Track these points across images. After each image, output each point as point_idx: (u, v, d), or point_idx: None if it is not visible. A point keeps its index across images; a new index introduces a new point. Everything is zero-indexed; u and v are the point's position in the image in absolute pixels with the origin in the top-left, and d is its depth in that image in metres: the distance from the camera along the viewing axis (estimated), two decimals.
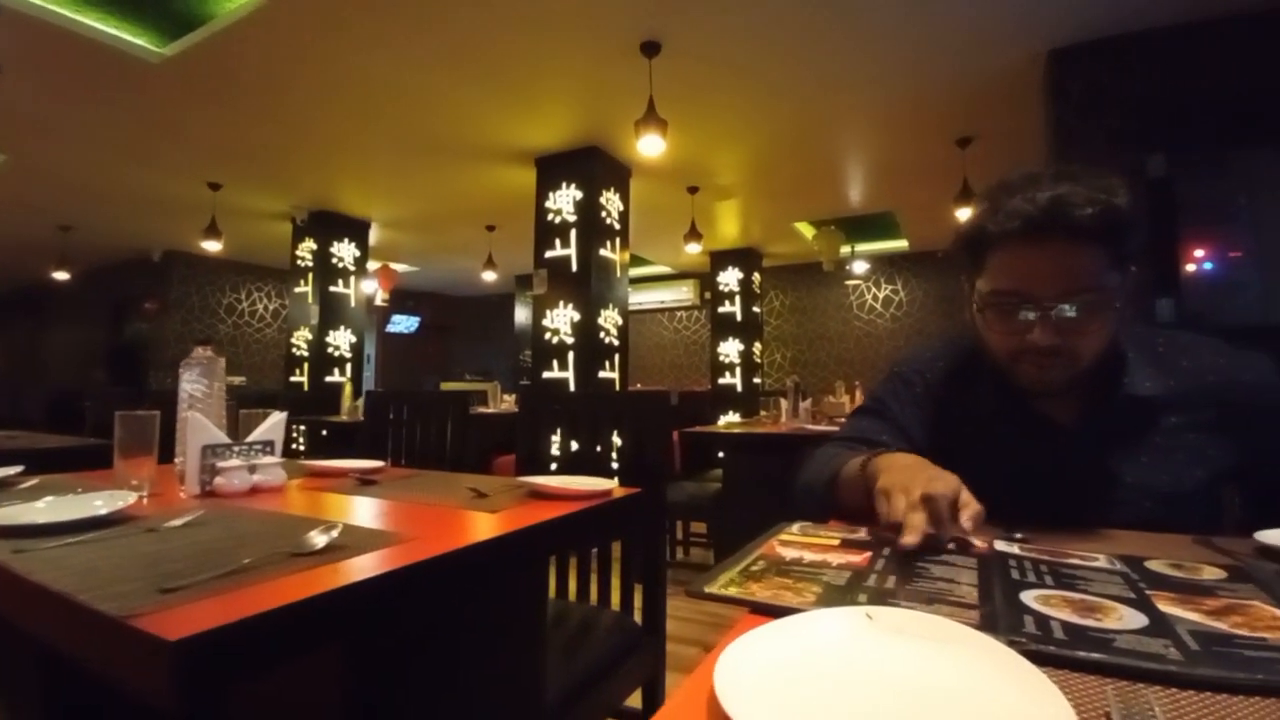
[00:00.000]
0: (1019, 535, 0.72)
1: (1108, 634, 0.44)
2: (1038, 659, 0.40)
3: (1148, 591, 0.54)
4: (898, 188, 5.24)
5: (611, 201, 4.50)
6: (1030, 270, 0.76)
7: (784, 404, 3.23)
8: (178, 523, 0.81)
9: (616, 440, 1.65)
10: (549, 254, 4.42)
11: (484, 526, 0.86)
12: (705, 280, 7.82)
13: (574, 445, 1.60)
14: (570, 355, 4.31)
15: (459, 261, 7.90)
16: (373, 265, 7.11)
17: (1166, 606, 0.50)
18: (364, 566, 0.64)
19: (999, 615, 0.47)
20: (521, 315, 9.04)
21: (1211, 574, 0.59)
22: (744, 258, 7.13)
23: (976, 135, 4.05)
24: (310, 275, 5.81)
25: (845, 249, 6.55)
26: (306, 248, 5.88)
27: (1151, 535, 0.77)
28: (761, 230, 6.60)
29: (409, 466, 1.77)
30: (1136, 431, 0.82)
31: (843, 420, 3.63)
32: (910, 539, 0.62)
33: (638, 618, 1.39)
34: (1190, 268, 2.70)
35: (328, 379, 5.65)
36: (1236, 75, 2.72)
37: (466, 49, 3.14)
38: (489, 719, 0.92)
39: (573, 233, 4.34)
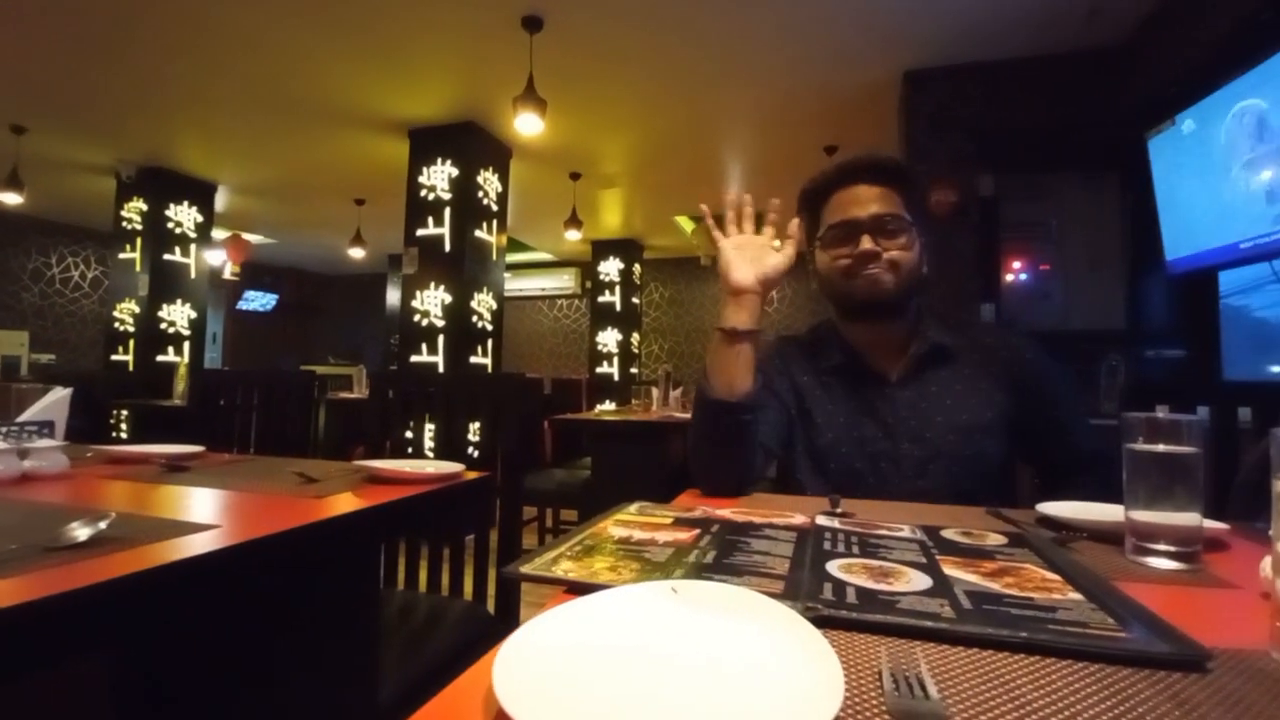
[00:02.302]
0: (840, 510, 0.77)
1: (894, 596, 0.47)
2: (829, 623, 0.42)
3: (938, 557, 0.58)
4: (771, 190, 5.39)
5: (489, 181, 4.34)
6: (851, 202, 1.03)
7: (655, 393, 3.28)
8: None
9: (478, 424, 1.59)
10: (421, 232, 4.20)
11: (303, 513, 0.78)
12: (586, 269, 7.79)
13: (429, 430, 1.52)
14: (441, 339, 4.13)
15: (324, 236, 7.32)
16: (220, 234, 6.41)
17: (950, 570, 0.54)
18: (135, 561, 0.56)
19: (801, 584, 0.49)
20: (394, 297, 8.54)
21: (994, 540, 0.65)
22: (625, 248, 7.18)
23: (841, 145, 4.32)
24: (139, 240, 5.11)
25: None
26: (134, 208, 5.16)
27: (953, 508, 0.85)
28: (643, 222, 6.67)
29: (245, 455, 1.61)
30: (942, 380, 1.05)
31: None
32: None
33: (491, 606, 1.35)
34: (1009, 277, 3.06)
35: (159, 358, 5.02)
36: (1051, 108, 3.10)
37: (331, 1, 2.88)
38: None
39: (447, 211, 4.15)
